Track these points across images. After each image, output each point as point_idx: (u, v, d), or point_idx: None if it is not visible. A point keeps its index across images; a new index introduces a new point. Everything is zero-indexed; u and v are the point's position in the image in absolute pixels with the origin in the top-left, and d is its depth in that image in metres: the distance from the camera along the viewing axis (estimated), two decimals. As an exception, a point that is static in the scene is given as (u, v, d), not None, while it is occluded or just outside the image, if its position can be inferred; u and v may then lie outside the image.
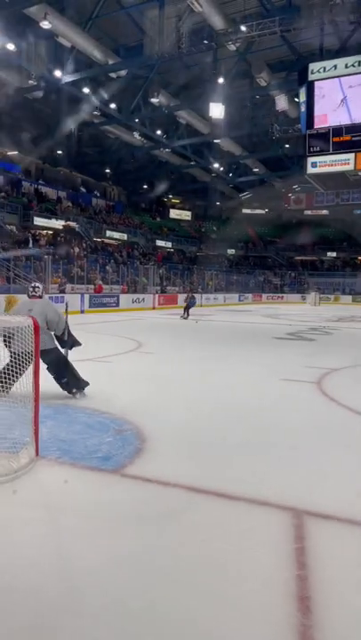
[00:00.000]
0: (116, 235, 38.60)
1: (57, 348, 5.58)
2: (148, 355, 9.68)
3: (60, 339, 5.66)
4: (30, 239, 28.42)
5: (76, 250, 30.10)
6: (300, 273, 48.08)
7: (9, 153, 36.93)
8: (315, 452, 4.14)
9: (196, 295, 20.99)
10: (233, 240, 52.20)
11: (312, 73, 22.80)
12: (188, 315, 20.18)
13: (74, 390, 5.56)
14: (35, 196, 34.88)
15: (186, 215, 52.37)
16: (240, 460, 3.88)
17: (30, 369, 3.85)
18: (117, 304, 24.91)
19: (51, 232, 32.57)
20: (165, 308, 27.86)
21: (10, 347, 4.32)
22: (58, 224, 33.09)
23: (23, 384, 3.88)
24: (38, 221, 31.72)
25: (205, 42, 23.17)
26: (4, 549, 2.51)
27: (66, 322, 5.70)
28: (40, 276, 23.25)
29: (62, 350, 5.72)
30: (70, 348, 5.85)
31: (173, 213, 51.62)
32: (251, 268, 48.10)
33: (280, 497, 3.14)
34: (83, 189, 42.36)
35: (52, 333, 5.56)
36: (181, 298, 31.52)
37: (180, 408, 5.47)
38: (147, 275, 31.63)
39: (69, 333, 5.73)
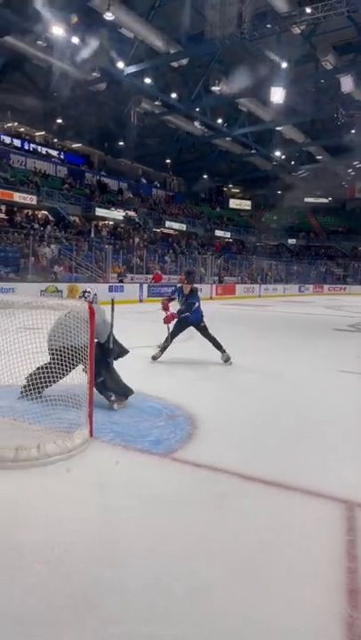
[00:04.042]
0: (176, 225, 38.71)
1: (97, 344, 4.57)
2: (203, 343, 9.65)
3: (103, 347, 4.77)
4: (92, 230, 29.08)
5: (136, 240, 30.48)
6: (364, 263, 46.25)
7: (73, 145, 37.84)
8: (372, 445, 3.99)
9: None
10: (294, 230, 50.95)
11: (381, 53, 21.80)
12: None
13: (111, 396, 4.66)
14: (97, 187, 35.56)
15: (246, 205, 51.55)
16: (292, 450, 3.81)
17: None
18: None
19: (111, 223, 33.13)
20: (223, 299, 27.69)
21: (51, 344, 4.34)
22: (119, 215, 33.61)
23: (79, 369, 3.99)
24: (100, 212, 32.32)
25: (268, 26, 22.59)
26: (54, 524, 2.58)
27: (111, 325, 4.80)
28: (100, 265, 23.78)
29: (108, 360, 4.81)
30: (116, 359, 4.94)
31: (233, 203, 50.97)
32: (312, 259, 46.77)
33: (333, 488, 3.05)
34: (143, 180, 42.73)
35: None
36: (240, 288, 31.04)
37: (233, 395, 5.43)
38: (205, 265, 31.54)
39: (115, 340, 4.87)
